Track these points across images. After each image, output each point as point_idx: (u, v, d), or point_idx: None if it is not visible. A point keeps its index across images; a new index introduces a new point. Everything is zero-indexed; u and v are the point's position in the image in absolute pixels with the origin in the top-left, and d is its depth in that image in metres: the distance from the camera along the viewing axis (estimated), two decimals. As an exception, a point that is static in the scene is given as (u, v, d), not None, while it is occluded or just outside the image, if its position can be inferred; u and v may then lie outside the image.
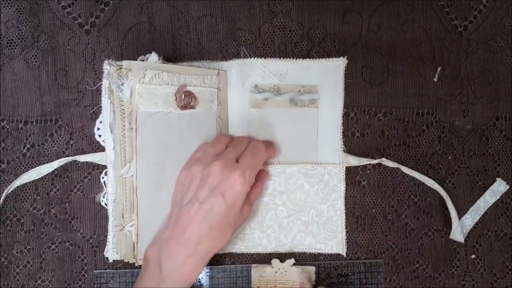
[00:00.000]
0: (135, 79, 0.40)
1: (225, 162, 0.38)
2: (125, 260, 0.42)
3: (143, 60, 0.42)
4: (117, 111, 0.41)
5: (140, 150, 0.41)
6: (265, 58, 0.46)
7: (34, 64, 0.45)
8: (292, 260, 0.45)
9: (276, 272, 0.45)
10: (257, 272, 0.46)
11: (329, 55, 0.46)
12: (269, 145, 0.44)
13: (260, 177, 0.44)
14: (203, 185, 0.38)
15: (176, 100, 0.42)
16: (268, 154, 0.44)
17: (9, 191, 0.44)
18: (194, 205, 0.37)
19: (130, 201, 0.41)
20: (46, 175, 0.45)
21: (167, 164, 0.42)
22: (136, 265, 0.41)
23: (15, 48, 0.45)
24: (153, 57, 0.42)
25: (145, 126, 0.41)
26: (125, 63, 0.40)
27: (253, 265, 0.46)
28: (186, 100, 0.42)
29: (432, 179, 0.47)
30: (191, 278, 0.38)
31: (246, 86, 0.46)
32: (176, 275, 0.37)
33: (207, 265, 0.46)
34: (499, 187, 0.48)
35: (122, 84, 0.40)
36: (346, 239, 0.46)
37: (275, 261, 0.45)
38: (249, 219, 0.45)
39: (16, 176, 0.45)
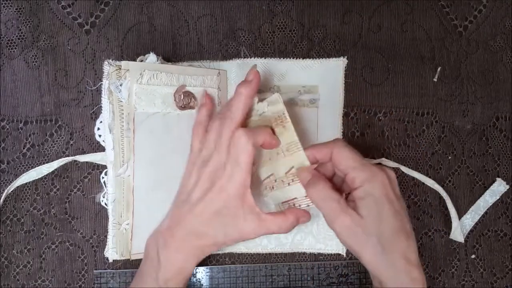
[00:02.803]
0: (132, 79, 0.40)
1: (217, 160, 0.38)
2: (122, 258, 0.42)
3: (142, 61, 0.42)
4: (116, 112, 0.41)
5: (137, 150, 0.41)
6: (265, 58, 0.46)
7: (34, 64, 0.45)
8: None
9: None
10: None
11: (329, 55, 0.46)
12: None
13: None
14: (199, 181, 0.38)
15: (175, 100, 0.42)
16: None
17: (9, 191, 0.44)
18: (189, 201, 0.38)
19: (127, 200, 0.42)
20: (46, 175, 0.45)
21: (166, 164, 0.43)
22: (130, 259, 0.42)
23: (15, 48, 0.45)
24: (151, 57, 0.42)
25: (143, 126, 0.41)
26: (123, 63, 0.40)
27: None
28: (186, 100, 0.42)
29: (432, 179, 0.47)
30: (185, 270, 0.38)
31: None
32: (170, 264, 0.38)
33: (207, 265, 0.46)
34: (499, 187, 0.48)
35: (121, 85, 0.40)
36: (346, 239, 0.46)
37: None
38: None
39: (16, 176, 0.45)
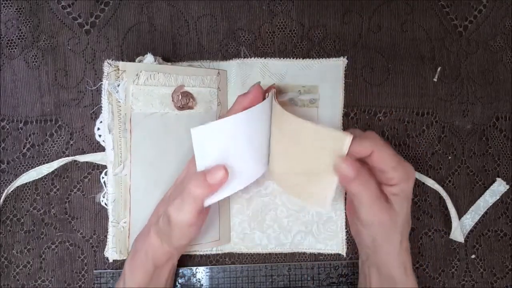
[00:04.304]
0: (129, 80, 0.40)
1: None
2: (121, 256, 0.42)
3: (140, 61, 0.42)
4: (115, 112, 0.41)
5: (134, 150, 0.41)
6: (265, 58, 0.46)
7: (34, 64, 0.45)
8: None
9: None
10: None
11: (329, 55, 0.46)
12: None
13: None
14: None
15: (173, 101, 0.42)
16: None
17: (9, 191, 0.44)
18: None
19: (124, 199, 0.42)
20: (46, 175, 0.45)
21: (164, 163, 0.43)
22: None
23: (15, 48, 0.45)
24: (149, 58, 0.42)
25: (140, 127, 0.41)
26: (120, 64, 0.40)
27: None
28: (184, 100, 0.42)
29: (432, 179, 0.46)
30: (193, 226, 0.38)
31: (246, 86, 0.46)
32: (183, 223, 0.37)
33: (207, 265, 0.46)
34: (499, 187, 0.48)
35: (118, 85, 0.40)
36: (346, 239, 0.46)
37: None
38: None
39: (16, 176, 0.45)
